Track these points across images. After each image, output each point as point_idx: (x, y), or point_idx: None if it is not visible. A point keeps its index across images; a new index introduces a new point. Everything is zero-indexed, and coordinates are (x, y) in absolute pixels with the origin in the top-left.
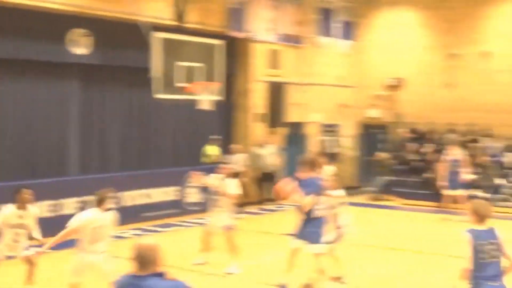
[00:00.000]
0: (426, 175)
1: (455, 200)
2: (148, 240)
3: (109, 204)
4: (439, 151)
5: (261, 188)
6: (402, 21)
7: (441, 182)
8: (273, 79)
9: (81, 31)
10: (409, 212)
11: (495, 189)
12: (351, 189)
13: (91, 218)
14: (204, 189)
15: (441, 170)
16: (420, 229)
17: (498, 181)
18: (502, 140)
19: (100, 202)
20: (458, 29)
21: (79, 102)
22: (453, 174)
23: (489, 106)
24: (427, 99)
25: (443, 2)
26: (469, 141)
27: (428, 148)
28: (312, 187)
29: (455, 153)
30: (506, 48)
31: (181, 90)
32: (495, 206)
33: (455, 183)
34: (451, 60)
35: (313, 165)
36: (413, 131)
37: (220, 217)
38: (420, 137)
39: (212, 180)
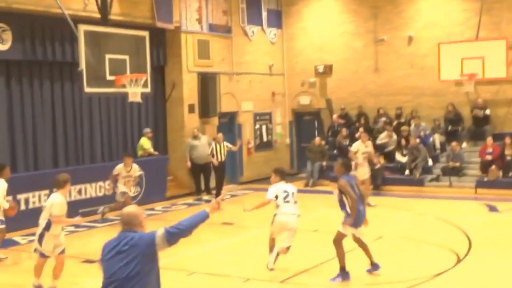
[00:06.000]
0: None
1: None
2: (131, 207)
3: None
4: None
5: (197, 180)
6: (329, 8)
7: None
8: (204, 69)
9: None
10: None
11: (426, 170)
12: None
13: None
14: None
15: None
16: None
17: (428, 162)
18: (429, 122)
19: None
20: (382, 15)
21: (5, 99)
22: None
23: (415, 90)
24: (355, 84)
25: None
26: (399, 124)
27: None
28: None
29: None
30: (428, 33)
31: (110, 84)
32: (426, 186)
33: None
34: (378, 46)
35: None
36: (344, 116)
37: None
38: (351, 122)
39: None
